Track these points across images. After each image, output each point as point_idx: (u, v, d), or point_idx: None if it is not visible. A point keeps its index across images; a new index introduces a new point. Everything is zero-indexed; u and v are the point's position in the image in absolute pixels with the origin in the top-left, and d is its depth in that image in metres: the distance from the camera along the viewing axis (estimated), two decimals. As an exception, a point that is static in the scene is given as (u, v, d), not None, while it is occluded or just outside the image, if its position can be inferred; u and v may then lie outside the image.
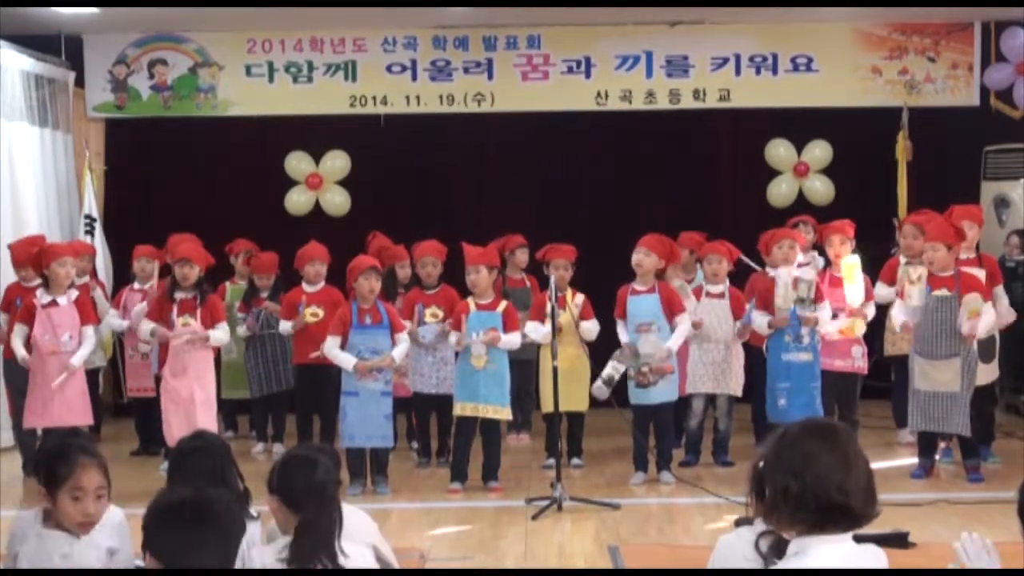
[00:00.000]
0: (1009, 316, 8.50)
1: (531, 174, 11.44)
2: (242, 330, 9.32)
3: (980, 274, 8.17)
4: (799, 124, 11.43)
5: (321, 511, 3.75)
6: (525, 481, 8.27)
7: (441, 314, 8.57)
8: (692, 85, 11.45)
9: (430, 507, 7.64)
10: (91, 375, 9.06)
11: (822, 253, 8.94)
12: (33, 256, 8.45)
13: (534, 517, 7.20)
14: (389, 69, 11.45)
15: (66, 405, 8.14)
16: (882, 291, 8.63)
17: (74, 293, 8.38)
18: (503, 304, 8.07)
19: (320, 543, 3.71)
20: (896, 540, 6.24)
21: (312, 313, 8.90)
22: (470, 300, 8.09)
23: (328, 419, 8.74)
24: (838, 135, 11.43)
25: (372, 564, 3.94)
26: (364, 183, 11.52)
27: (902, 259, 8.89)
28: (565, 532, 6.97)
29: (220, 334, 8.32)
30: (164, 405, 8.14)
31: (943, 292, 7.91)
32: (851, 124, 11.36)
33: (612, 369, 7.96)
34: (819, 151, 11.46)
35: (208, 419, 7.99)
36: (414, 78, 11.45)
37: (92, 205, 11.07)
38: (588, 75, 11.46)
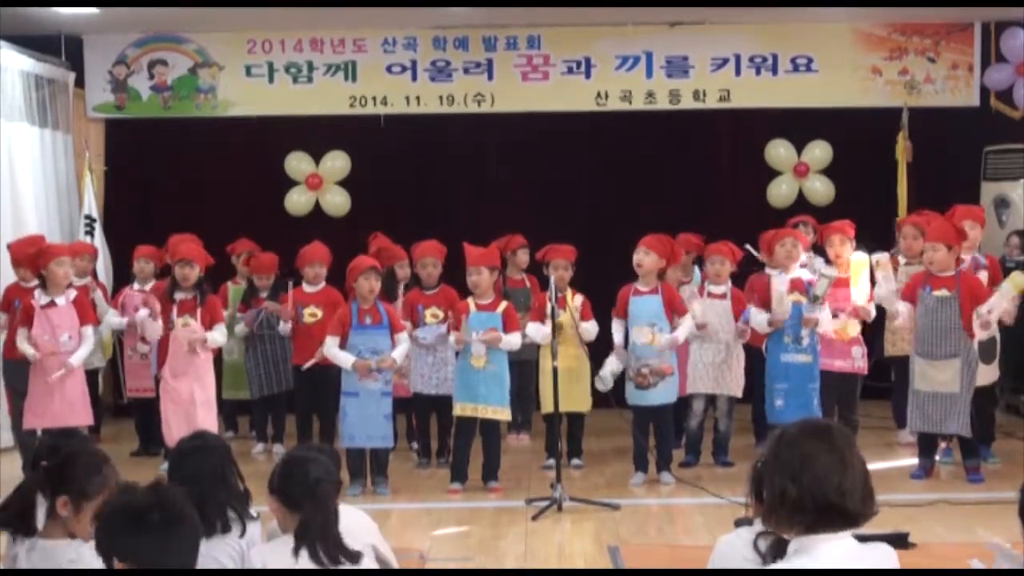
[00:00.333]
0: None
1: (531, 174, 11.44)
2: (240, 329, 9.32)
3: (982, 274, 8.17)
4: (799, 124, 11.43)
5: (317, 510, 3.75)
6: (525, 481, 8.27)
7: (441, 314, 8.58)
8: (692, 85, 11.45)
9: (430, 507, 7.65)
10: (91, 375, 9.07)
11: (822, 253, 8.94)
12: (30, 256, 8.45)
13: (534, 517, 7.20)
14: (389, 69, 11.45)
15: (66, 405, 8.14)
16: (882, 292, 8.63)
17: (72, 293, 8.38)
18: (503, 304, 8.07)
19: (320, 542, 3.71)
20: (896, 540, 6.21)
21: (311, 313, 8.90)
22: (470, 300, 8.09)
23: (328, 419, 8.74)
24: (838, 135, 11.43)
25: (371, 564, 3.93)
26: (364, 183, 11.51)
27: (902, 259, 8.90)
28: (565, 532, 6.97)
29: (218, 335, 8.32)
30: (164, 405, 8.14)
31: (943, 292, 7.91)
32: (851, 124, 11.35)
33: (612, 365, 8.00)
34: (819, 151, 11.46)
35: (208, 420, 7.99)
36: (414, 78, 11.45)
37: (92, 205, 11.07)
38: (588, 75, 11.46)
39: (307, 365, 8.66)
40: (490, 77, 11.43)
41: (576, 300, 8.43)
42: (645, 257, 8.16)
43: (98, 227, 11.06)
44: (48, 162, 10.73)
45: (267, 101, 11.47)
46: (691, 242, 9.29)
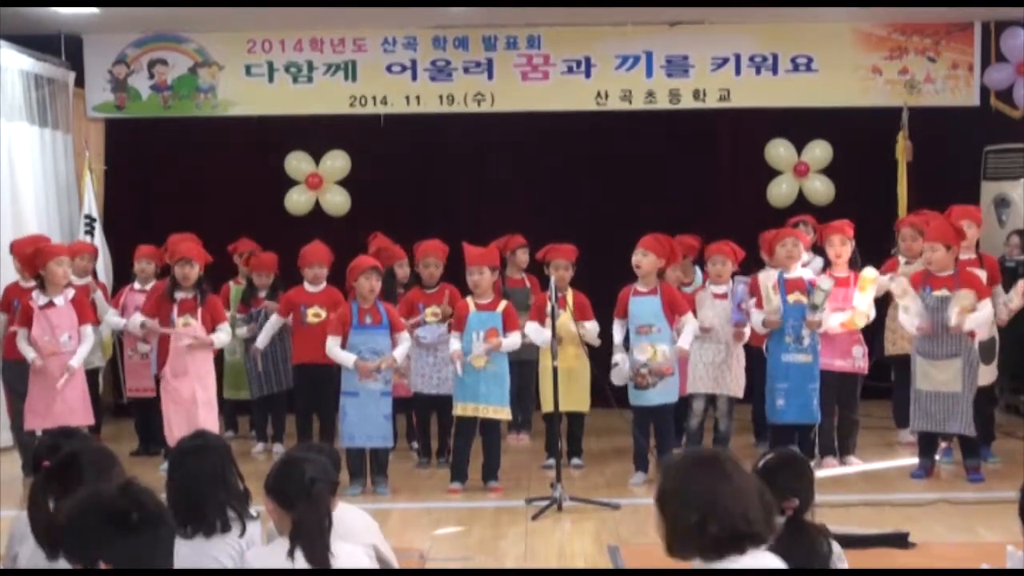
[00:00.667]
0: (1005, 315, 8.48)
1: (531, 174, 11.44)
2: (242, 331, 9.33)
3: (981, 274, 8.17)
4: (799, 124, 11.43)
5: (309, 510, 3.73)
6: (525, 481, 8.27)
7: (441, 313, 8.58)
8: (692, 85, 11.45)
9: (430, 507, 7.64)
10: (91, 375, 9.08)
11: (822, 253, 8.94)
12: (28, 256, 8.45)
13: (534, 517, 7.20)
14: (389, 69, 11.45)
15: (67, 406, 8.15)
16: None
17: (71, 293, 8.39)
18: (503, 304, 8.07)
19: (311, 542, 3.70)
20: (896, 540, 6.24)
21: (315, 314, 8.89)
22: (470, 300, 8.09)
23: (328, 419, 8.74)
24: (838, 135, 11.43)
25: (367, 564, 3.93)
26: (364, 183, 11.51)
27: (901, 260, 8.90)
28: (565, 532, 6.97)
29: (223, 336, 8.32)
30: (165, 405, 8.14)
31: (943, 292, 7.91)
32: (851, 124, 11.35)
33: (620, 360, 8.02)
34: (819, 151, 11.46)
35: (209, 419, 7.99)
36: (414, 78, 11.45)
37: (92, 205, 11.07)
38: (588, 75, 11.46)
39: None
40: (490, 77, 11.43)
41: (594, 329, 8.41)
42: (644, 258, 8.16)
43: (98, 227, 11.06)
44: (48, 162, 10.73)
45: (267, 101, 11.47)
46: (688, 244, 9.28)
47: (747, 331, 8.60)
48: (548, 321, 7.84)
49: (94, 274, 9.91)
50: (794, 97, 11.41)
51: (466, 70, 11.43)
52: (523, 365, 8.89)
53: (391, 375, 8.05)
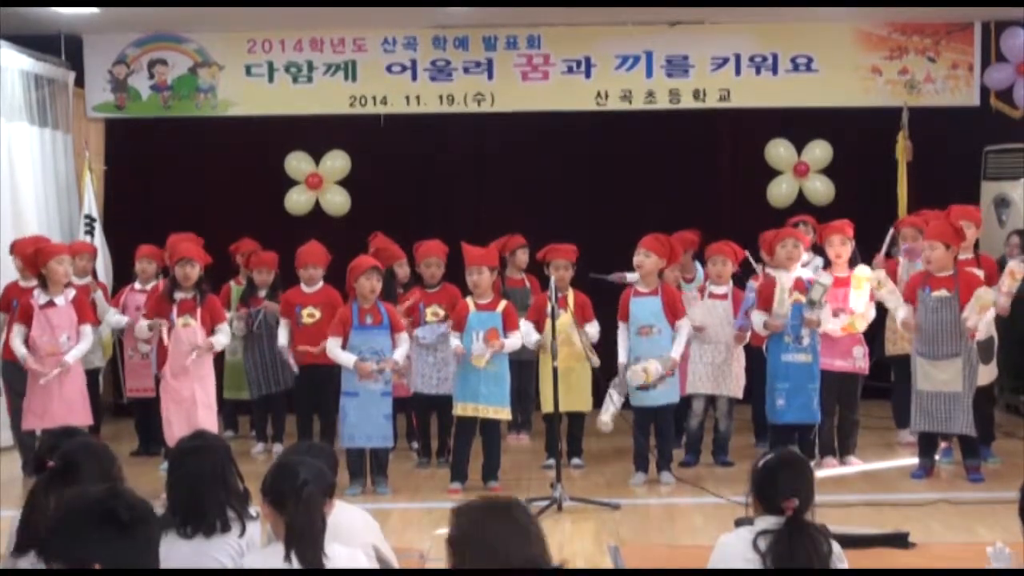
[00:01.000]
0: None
1: (531, 174, 11.43)
2: (237, 327, 9.32)
3: (979, 274, 8.17)
4: (799, 124, 11.43)
5: (299, 511, 3.72)
6: (525, 481, 8.27)
7: (442, 312, 8.59)
8: (692, 85, 11.44)
9: (430, 507, 7.64)
10: (91, 375, 9.08)
11: (821, 253, 8.94)
12: (29, 256, 8.46)
13: (534, 517, 7.19)
14: (389, 69, 11.44)
15: (65, 406, 8.14)
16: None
17: (71, 293, 8.39)
18: (503, 304, 8.08)
19: (303, 545, 3.69)
20: (896, 540, 6.24)
21: (309, 314, 8.89)
22: (470, 300, 8.09)
23: (328, 419, 8.74)
24: (838, 135, 11.43)
25: (363, 565, 3.92)
26: (364, 183, 11.51)
27: (901, 260, 8.90)
28: (565, 532, 6.97)
29: (223, 338, 8.30)
30: (165, 405, 8.12)
31: (943, 292, 7.91)
32: (851, 124, 11.36)
33: (612, 402, 8.00)
34: (819, 151, 11.46)
35: (209, 419, 7.98)
36: (414, 78, 11.44)
37: (92, 205, 11.07)
38: (588, 75, 11.46)
39: (315, 350, 8.59)
40: (490, 77, 11.43)
41: (594, 333, 8.39)
42: (646, 259, 8.16)
43: (98, 227, 11.06)
44: (48, 162, 10.73)
45: (267, 101, 11.47)
46: (689, 239, 9.28)
47: (748, 334, 8.61)
48: (548, 321, 7.84)
49: (94, 274, 9.91)
50: (794, 97, 11.40)
51: (466, 70, 11.43)
52: (522, 365, 8.89)
53: (391, 375, 8.05)
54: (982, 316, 7.75)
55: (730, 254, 8.75)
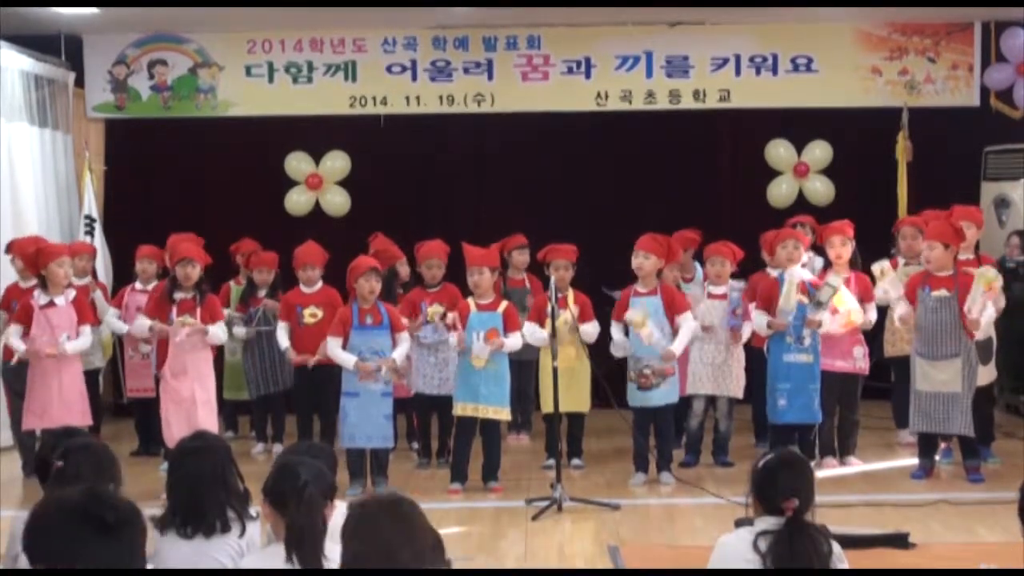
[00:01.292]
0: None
1: (531, 174, 11.43)
2: (240, 332, 9.32)
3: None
4: (799, 124, 11.43)
5: (300, 512, 3.72)
6: (525, 481, 8.27)
7: (443, 311, 8.60)
8: (692, 85, 11.45)
9: (430, 507, 7.51)
10: (91, 375, 9.08)
11: (820, 253, 8.94)
12: (30, 256, 8.46)
13: (534, 517, 7.20)
14: (389, 69, 11.45)
15: (65, 406, 8.14)
16: (881, 292, 8.63)
17: (71, 293, 8.39)
18: (503, 304, 8.08)
19: (303, 546, 3.69)
20: (896, 540, 6.25)
21: (311, 314, 8.89)
22: (470, 300, 8.10)
23: (328, 419, 8.74)
24: (838, 135, 11.43)
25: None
26: (364, 183, 11.52)
27: (901, 260, 8.90)
28: (565, 532, 6.97)
29: (219, 331, 8.29)
30: (164, 405, 8.12)
31: (942, 292, 7.91)
32: (851, 124, 11.36)
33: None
34: (819, 151, 11.46)
35: (208, 419, 7.97)
36: (414, 78, 11.45)
37: (92, 205, 11.07)
38: (588, 75, 11.46)
39: (312, 363, 8.63)
40: (490, 77, 11.43)
41: (574, 310, 8.38)
42: (645, 261, 8.16)
43: (98, 227, 11.06)
44: (48, 162, 10.74)
45: (267, 101, 11.47)
46: (688, 238, 9.29)
47: (744, 332, 8.59)
48: (548, 321, 7.84)
49: (94, 274, 9.91)
50: (794, 97, 11.41)
51: (466, 70, 11.43)
52: (522, 366, 8.89)
53: (390, 375, 8.04)
54: (988, 298, 7.71)
55: (728, 254, 8.74)
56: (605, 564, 6.24)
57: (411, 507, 3.18)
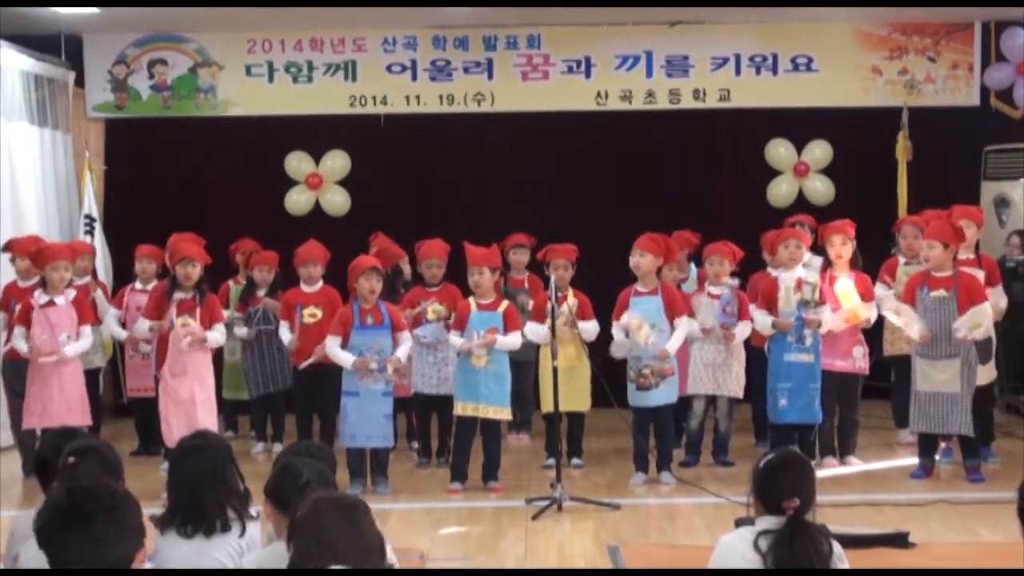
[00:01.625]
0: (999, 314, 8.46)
1: (531, 174, 11.44)
2: (241, 332, 9.32)
3: (979, 275, 8.16)
4: (799, 124, 11.43)
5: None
6: (525, 481, 8.26)
7: (443, 310, 8.60)
8: (692, 85, 11.45)
9: (430, 507, 7.64)
10: (91, 375, 9.07)
11: (820, 253, 8.94)
12: (32, 254, 8.46)
13: (534, 517, 7.20)
14: (389, 69, 11.45)
15: (64, 405, 8.14)
16: (881, 292, 8.63)
17: (72, 293, 8.39)
18: (504, 304, 8.08)
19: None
20: (896, 540, 6.25)
21: (311, 314, 8.89)
22: (471, 300, 8.10)
23: (328, 419, 8.74)
24: (838, 135, 11.43)
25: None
26: (364, 183, 11.52)
27: (901, 260, 8.90)
28: (565, 532, 6.97)
29: (217, 335, 8.29)
30: (164, 405, 8.11)
31: (941, 292, 7.91)
32: (851, 124, 11.36)
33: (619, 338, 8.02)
34: (819, 151, 11.46)
35: (209, 419, 7.97)
36: (414, 78, 11.45)
37: (92, 205, 11.07)
38: (588, 75, 11.46)
39: (304, 365, 8.65)
40: (490, 77, 11.44)
41: (573, 304, 8.38)
42: (641, 259, 8.16)
43: (98, 227, 11.07)
44: (48, 162, 10.74)
45: (267, 101, 11.47)
46: (686, 239, 9.29)
47: (741, 331, 8.56)
48: (548, 321, 7.84)
49: (94, 273, 9.91)
50: (794, 97, 11.41)
51: (466, 70, 11.44)
52: (523, 365, 8.89)
53: (391, 375, 8.04)
54: (971, 333, 7.74)
55: (728, 254, 8.74)
56: (605, 564, 6.23)
57: (359, 508, 3.27)
